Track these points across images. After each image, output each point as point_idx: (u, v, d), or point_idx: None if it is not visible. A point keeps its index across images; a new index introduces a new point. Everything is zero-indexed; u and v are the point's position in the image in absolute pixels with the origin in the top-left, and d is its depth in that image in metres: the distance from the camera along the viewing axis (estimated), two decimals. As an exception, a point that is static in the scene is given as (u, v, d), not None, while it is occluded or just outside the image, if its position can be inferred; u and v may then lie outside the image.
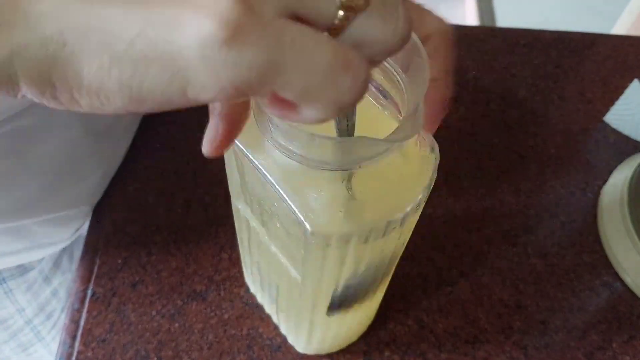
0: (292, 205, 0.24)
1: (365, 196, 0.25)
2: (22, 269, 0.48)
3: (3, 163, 0.38)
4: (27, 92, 0.17)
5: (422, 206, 0.27)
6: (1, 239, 0.44)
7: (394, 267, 0.35)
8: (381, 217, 0.25)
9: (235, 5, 0.15)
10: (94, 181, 0.47)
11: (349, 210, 0.25)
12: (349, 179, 0.25)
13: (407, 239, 0.32)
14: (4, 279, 0.47)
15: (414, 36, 0.23)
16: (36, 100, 0.18)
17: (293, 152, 0.23)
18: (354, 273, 0.30)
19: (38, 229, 0.45)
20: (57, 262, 0.50)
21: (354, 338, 0.43)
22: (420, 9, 0.29)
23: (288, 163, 0.23)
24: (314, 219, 0.24)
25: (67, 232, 0.48)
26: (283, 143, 0.23)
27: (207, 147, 0.22)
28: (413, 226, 0.30)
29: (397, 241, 0.30)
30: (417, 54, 0.23)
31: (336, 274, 0.29)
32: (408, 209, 0.25)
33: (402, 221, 0.26)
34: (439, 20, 0.29)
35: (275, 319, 0.42)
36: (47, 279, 0.50)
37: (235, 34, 0.15)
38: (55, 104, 0.18)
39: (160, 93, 0.17)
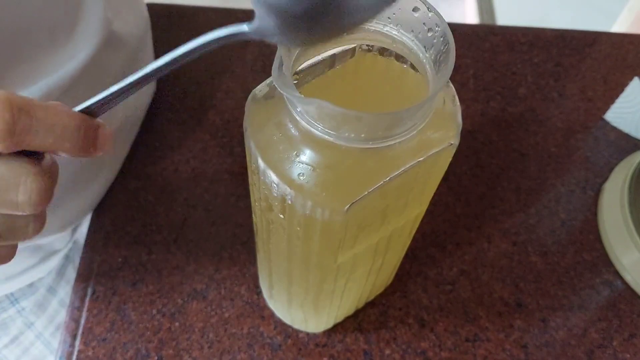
0: None
1: None
2: (33, 287, 0.48)
3: None
4: None
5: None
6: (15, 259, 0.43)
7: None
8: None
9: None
10: (96, 189, 0.47)
11: None
12: None
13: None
14: (16, 299, 0.47)
15: (445, 26, 0.24)
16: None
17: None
18: None
19: (43, 241, 0.45)
20: (60, 272, 0.50)
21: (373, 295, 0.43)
22: None
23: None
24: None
25: (67, 236, 0.48)
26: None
27: None
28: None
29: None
30: (446, 42, 0.23)
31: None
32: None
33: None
34: None
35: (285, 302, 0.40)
36: (51, 290, 0.49)
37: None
38: None
39: None
